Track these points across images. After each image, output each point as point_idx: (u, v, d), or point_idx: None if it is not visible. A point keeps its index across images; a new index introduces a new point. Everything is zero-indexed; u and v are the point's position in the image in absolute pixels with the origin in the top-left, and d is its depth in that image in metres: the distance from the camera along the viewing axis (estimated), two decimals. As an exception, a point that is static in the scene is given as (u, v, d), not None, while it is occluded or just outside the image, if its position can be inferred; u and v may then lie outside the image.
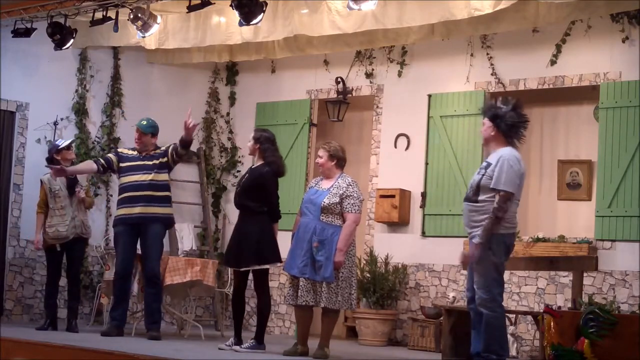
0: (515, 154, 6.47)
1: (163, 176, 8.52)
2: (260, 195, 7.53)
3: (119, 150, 8.86)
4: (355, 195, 7.43)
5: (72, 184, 8.88)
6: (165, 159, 8.51)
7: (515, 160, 6.41)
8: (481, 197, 6.42)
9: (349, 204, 7.38)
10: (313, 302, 7.31)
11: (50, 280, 9.03)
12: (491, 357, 6.32)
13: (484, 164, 6.57)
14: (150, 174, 8.41)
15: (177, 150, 8.42)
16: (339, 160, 7.56)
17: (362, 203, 7.55)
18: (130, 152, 8.61)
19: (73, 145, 9.26)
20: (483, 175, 6.45)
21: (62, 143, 9.04)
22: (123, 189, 8.48)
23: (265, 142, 7.63)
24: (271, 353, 7.53)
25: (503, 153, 6.45)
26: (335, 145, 7.63)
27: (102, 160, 8.62)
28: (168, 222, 8.64)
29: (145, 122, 8.56)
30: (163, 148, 8.54)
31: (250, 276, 7.67)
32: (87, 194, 9.10)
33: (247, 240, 7.51)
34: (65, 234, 8.82)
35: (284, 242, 7.62)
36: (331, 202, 7.36)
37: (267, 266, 7.54)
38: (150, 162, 8.45)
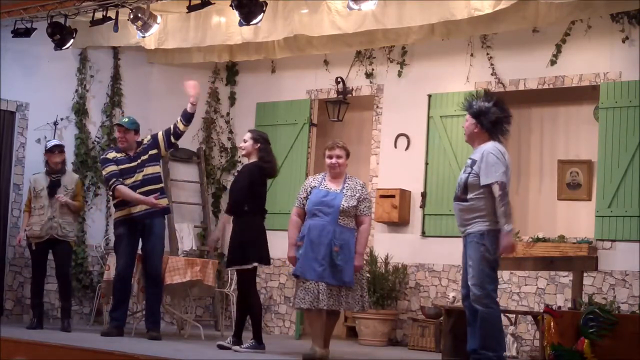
0: (498, 147, 6.45)
1: (155, 169, 8.59)
2: (243, 192, 7.59)
3: (109, 157, 8.53)
4: (369, 197, 7.40)
5: (53, 185, 8.97)
6: (155, 151, 8.55)
7: (499, 152, 6.39)
8: (470, 196, 6.41)
9: (365, 207, 7.29)
10: (335, 306, 7.16)
11: (34, 279, 9.17)
12: (487, 354, 6.30)
13: (469, 161, 6.54)
14: (142, 171, 8.44)
15: (177, 129, 8.50)
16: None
17: None
18: (119, 154, 8.52)
19: (59, 148, 9.20)
20: (469, 173, 6.44)
21: (49, 144, 9.15)
22: None
23: (264, 143, 7.74)
24: (271, 353, 7.53)
25: (486, 147, 6.44)
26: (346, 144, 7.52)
27: (120, 179, 8.38)
28: (167, 212, 8.81)
29: (127, 119, 8.64)
30: (148, 138, 8.58)
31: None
32: (76, 198, 9.15)
33: (230, 241, 7.65)
34: (38, 234, 8.99)
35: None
36: (350, 205, 7.21)
37: (246, 266, 7.58)
38: (139, 160, 8.49)
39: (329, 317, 7.36)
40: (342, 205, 7.18)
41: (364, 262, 7.41)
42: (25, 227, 9.11)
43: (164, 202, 8.56)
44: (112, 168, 8.43)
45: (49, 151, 9.15)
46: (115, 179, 8.37)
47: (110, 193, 8.50)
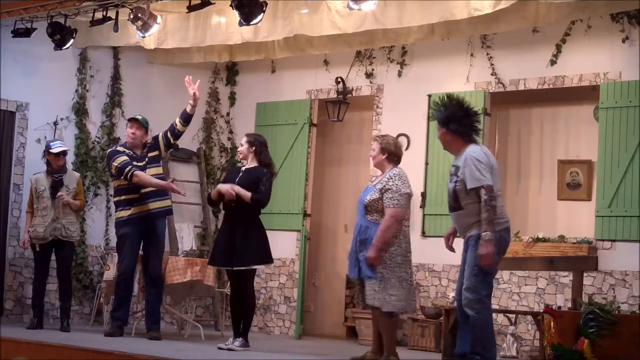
0: (480, 149, 6.40)
1: (157, 170, 8.59)
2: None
3: (119, 149, 8.56)
4: (394, 188, 6.94)
5: (55, 185, 8.95)
6: (156, 152, 8.57)
7: (481, 154, 6.32)
8: (463, 203, 6.34)
9: (387, 198, 6.94)
10: (377, 302, 7.00)
11: (36, 279, 9.17)
12: (476, 357, 6.25)
13: (452, 169, 6.46)
14: (145, 171, 8.42)
15: (175, 130, 8.50)
16: (390, 155, 7.19)
17: (409, 198, 7.07)
18: (127, 151, 8.52)
19: (65, 153, 9.23)
20: (456, 182, 6.35)
21: (55, 147, 9.10)
22: (126, 190, 8.44)
23: (260, 146, 7.82)
24: (271, 352, 7.53)
25: (467, 152, 6.36)
26: (389, 139, 7.33)
27: (135, 167, 8.36)
28: (170, 213, 8.86)
29: (141, 117, 8.61)
30: (150, 140, 8.58)
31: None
32: (78, 196, 9.15)
33: (247, 239, 7.59)
34: (42, 235, 8.97)
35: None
36: (372, 198, 6.98)
37: (262, 265, 7.78)
38: (143, 162, 8.49)
39: (378, 318, 7.12)
40: (365, 200, 7.03)
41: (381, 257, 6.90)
42: (29, 229, 9.08)
43: (167, 202, 8.57)
44: (124, 158, 8.38)
45: (55, 155, 9.11)
46: (131, 166, 8.31)
47: (126, 182, 8.33)
